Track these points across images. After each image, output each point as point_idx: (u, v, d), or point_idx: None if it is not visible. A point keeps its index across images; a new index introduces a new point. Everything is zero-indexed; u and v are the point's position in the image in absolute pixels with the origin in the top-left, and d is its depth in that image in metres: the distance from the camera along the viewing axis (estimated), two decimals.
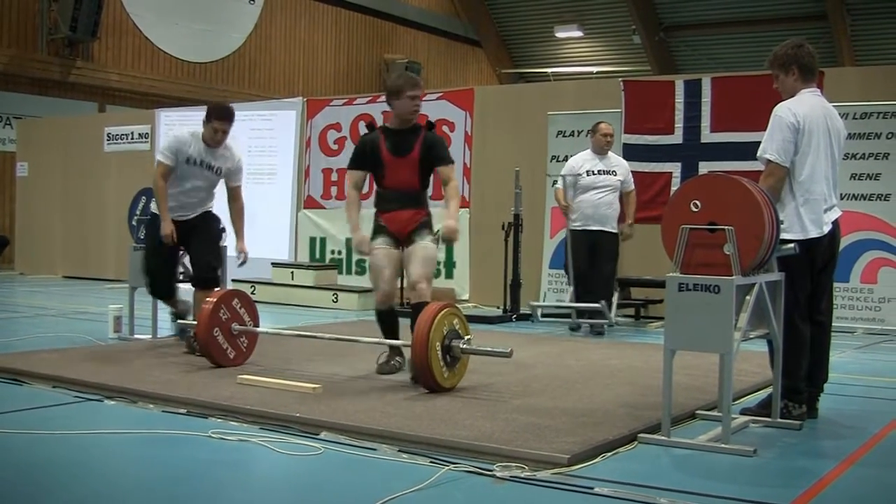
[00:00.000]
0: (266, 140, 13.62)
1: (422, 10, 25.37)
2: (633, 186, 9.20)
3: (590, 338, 8.70)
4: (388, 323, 6.08)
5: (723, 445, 4.31)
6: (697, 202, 4.44)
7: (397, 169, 5.98)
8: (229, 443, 4.29)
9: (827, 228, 4.93)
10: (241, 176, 7.12)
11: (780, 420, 4.83)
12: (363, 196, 6.19)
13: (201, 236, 6.91)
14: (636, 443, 4.41)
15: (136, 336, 7.83)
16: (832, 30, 22.58)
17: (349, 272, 12.60)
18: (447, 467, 3.85)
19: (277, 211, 13.17)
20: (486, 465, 3.89)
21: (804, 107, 4.88)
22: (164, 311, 7.55)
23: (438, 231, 6.00)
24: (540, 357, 6.98)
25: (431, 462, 3.96)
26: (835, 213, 5.01)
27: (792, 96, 4.98)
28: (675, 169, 10.34)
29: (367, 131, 6.19)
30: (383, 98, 13.87)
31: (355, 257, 12.66)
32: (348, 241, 12.62)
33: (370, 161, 6.05)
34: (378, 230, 6.05)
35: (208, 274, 6.84)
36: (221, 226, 7.17)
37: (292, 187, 13.25)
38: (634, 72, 23.88)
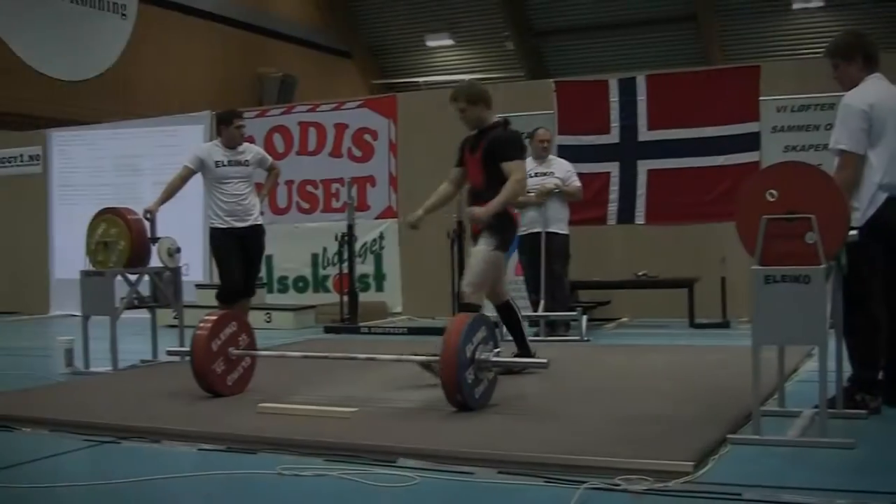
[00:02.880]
0: (172, 157, 12.88)
1: (293, 23, 24.79)
2: (577, 183, 9.00)
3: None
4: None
5: (822, 440, 4.17)
6: (774, 192, 4.30)
7: (470, 168, 6.34)
8: (308, 479, 3.89)
9: None
10: (268, 158, 8.39)
11: (845, 410, 4.71)
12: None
13: (252, 254, 7.93)
14: (728, 444, 4.23)
15: (91, 369, 7.20)
16: (701, 30, 23.21)
17: (271, 290, 12.07)
18: (580, 486, 3.56)
19: (189, 229, 12.47)
20: (606, 480, 3.63)
21: (872, 93, 4.78)
22: (124, 340, 7.02)
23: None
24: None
25: (548, 481, 3.68)
26: None
27: (854, 85, 4.86)
28: (613, 168, 10.29)
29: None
30: (299, 109, 13.21)
31: (277, 274, 12.17)
32: (268, 258, 12.04)
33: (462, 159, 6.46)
34: None
35: (249, 292, 7.93)
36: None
37: (203, 203, 12.57)
38: (507, 78, 23.92)
